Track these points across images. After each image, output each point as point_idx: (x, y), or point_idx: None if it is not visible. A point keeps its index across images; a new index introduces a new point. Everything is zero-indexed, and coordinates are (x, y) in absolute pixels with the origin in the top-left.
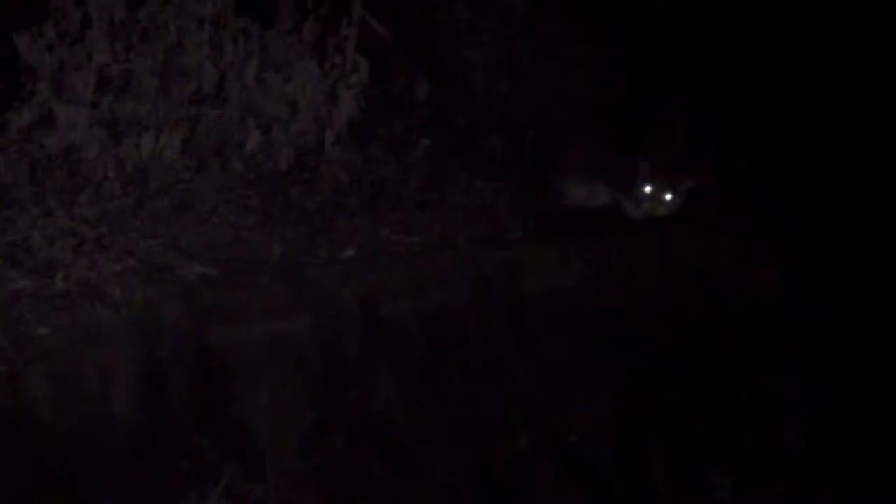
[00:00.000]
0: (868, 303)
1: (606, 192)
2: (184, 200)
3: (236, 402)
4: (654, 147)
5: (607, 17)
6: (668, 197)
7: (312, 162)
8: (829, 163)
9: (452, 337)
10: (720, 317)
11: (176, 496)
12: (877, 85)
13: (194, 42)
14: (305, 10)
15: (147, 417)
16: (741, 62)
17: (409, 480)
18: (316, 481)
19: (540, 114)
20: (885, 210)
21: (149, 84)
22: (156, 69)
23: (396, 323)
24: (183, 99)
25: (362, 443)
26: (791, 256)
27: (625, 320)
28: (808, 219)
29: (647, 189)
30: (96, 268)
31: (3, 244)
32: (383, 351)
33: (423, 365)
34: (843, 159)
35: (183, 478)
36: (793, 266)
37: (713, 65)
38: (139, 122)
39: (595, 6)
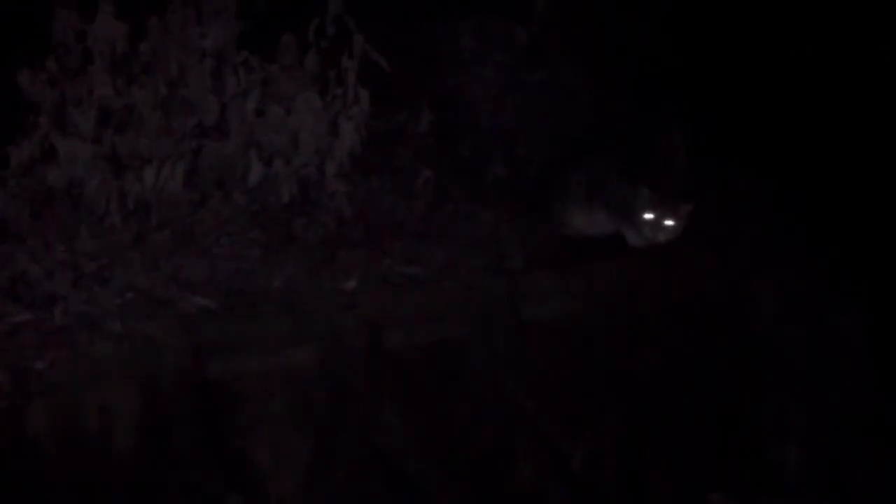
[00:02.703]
0: (868, 322)
1: (608, 219)
2: (185, 233)
3: (238, 436)
4: (654, 173)
5: (608, 44)
6: (670, 223)
7: (314, 194)
8: (831, 185)
9: (456, 367)
10: (722, 341)
11: None
12: (878, 102)
13: (196, 75)
14: (307, 42)
15: (148, 452)
16: (742, 86)
17: None
18: None
19: (542, 143)
20: (887, 228)
21: (150, 117)
22: (157, 103)
23: (400, 354)
24: (184, 132)
25: (365, 475)
26: (792, 279)
27: (627, 347)
28: (810, 240)
29: (649, 216)
30: (96, 301)
31: (3, 278)
32: (386, 382)
33: (427, 395)
34: (844, 180)
35: None
36: (794, 289)
37: (713, 90)
38: (141, 156)
39: (595, 34)
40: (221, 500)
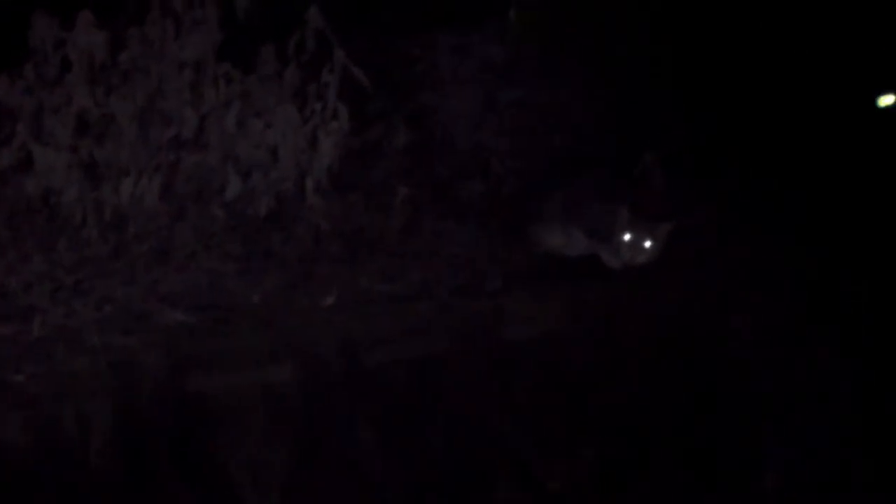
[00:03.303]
0: (846, 349)
1: (586, 240)
2: (163, 246)
3: (215, 450)
4: (632, 194)
5: (585, 65)
6: (648, 244)
7: (292, 209)
8: (811, 211)
9: (433, 385)
10: (699, 365)
11: None
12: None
13: (174, 87)
14: (286, 56)
15: (125, 465)
16: (722, 110)
17: None
18: None
19: (519, 162)
20: (863, 256)
21: (128, 128)
22: (135, 113)
23: (377, 371)
24: (162, 144)
25: (341, 491)
26: (770, 304)
27: (605, 369)
28: (788, 265)
29: (626, 237)
30: (74, 314)
31: None
32: (364, 399)
33: (404, 414)
34: (822, 207)
35: None
36: (772, 314)
37: (693, 112)
38: (118, 167)
39: (573, 55)
40: None
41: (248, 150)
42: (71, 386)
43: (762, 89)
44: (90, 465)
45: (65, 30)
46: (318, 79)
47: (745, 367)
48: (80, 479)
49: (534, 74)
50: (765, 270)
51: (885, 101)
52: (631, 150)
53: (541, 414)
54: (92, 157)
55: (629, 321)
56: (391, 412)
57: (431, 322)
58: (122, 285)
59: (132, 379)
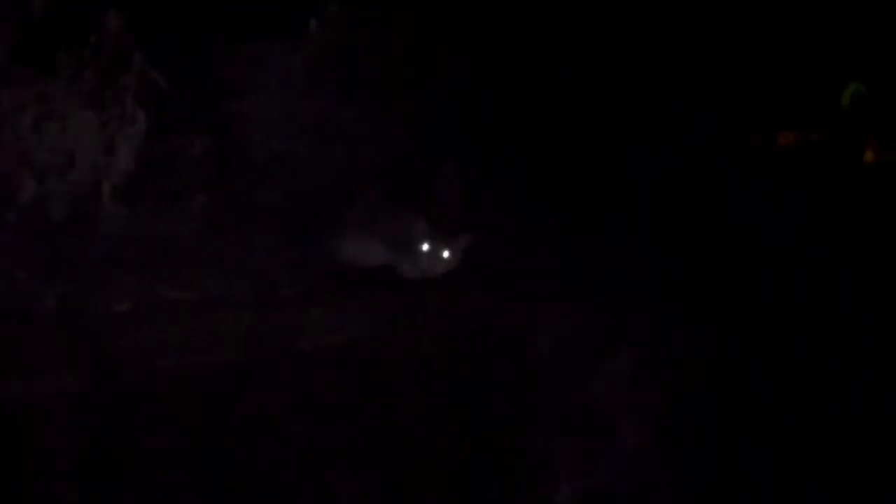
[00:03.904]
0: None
1: (384, 250)
2: None
3: (8, 457)
4: (431, 204)
5: (386, 77)
6: (446, 254)
7: (88, 214)
8: (613, 222)
9: (229, 394)
10: (497, 375)
11: None
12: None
13: None
14: (84, 59)
15: None
16: (521, 119)
17: None
18: None
19: (319, 172)
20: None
21: None
22: None
23: (172, 379)
24: None
25: (137, 499)
26: (569, 316)
27: (403, 379)
28: (589, 277)
29: (424, 247)
30: None
31: None
32: (158, 408)
33: (199, 422)
34: (626, 218)
35: None
36: (571, 326)
37: (490, 123)
38: None
39: (374, 66)
40: None
41: (43, 154)
42: None
43: (566, 98)
44: None
45: None
46: (117, 83)
47: (544, 380)
48: None
49: (334, 85)
50: (567, 281)
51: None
52: (430, 160)
53: (337, 425)
54: None
55: (428, 332)
56: (186, 421)
57: (227, 331)
58: None
59: None
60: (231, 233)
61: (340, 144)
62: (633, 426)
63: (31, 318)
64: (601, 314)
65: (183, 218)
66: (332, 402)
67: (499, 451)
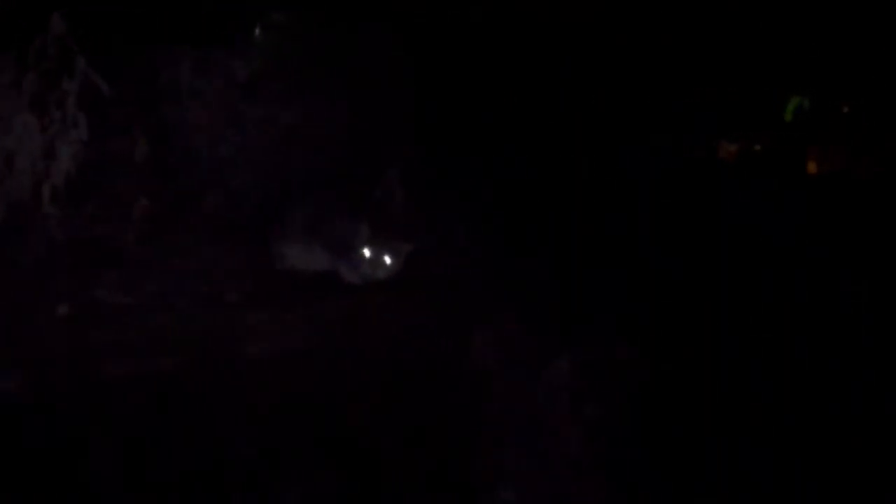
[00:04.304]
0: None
1: (326, 255)
2: None
3: None
4: (373, 210)
5: (328, 82)
6: (388, 260)
7: (28, 217)
8: (557, 232)
9: (169, 399)
10: (441, 380)
11: None
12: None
13: None
14: (26, 63)
15: None
16: (464, 126)
17: None
18: None
19: (261, 177)
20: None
21: None
22: None
23: (112, 383)
24: None
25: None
26: (513, 324)
27: (345, 384)
28: (533, 286)
29: (366, 252)
30: None
31: None
32: (97, 412)
33: (138, 428)
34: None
35: None
36: (513, 334)
37: (434, 129)
38: None
39: (316, 73)
40: None
41: None
42: None
43: (516, 103)
44: None
45: None
46: (59, 87)
47: (486, 388)
48: None
49: (276, 91)
50: (510, 289)
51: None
52: (373, 166)
53: (279, 431)
54: None
55: (370, 337)
56: (125, 425)
57: (168, 336)
58: None
59: None
60: (173, 237)
61: (283, 150)
62: (576, 433)
63: None
64: (543, 322)
65: (124, 222)
66: (274, 407)
67: (440, 457)
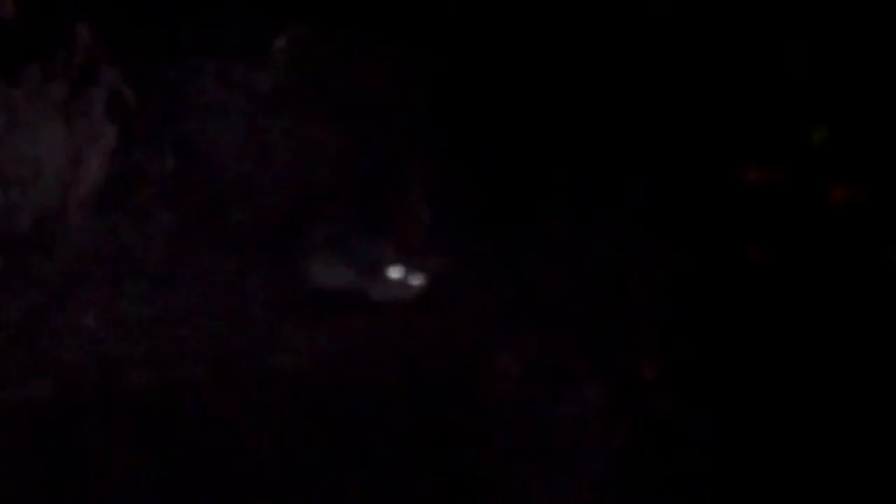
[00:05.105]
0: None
1: (352, 274)
2: None
3: None
4: (399, 229)
5: (352, 99)
6: (412, 280)
7: (54, 227)
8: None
9: (193, 412)
10: (458, 402)
11: None
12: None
13: None
14: (54, 70)
15: None
16: (492, 144)
17: None
18: None
19: (285, 193)
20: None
21: None
22: None
23: (135, 396)
24: None
25: None
26: (535, 347)
27: (366, 400)
28: (552, 300)
29: (391, 272)
30: None
31: None
32: (122, 421)
33: (163, 437)
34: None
35: None
36: (535, 357)
37: (460, 147)
38: None
39: (339, 88)
40: None
41: (9, 165)
42: None
43: (542, 120)
44: None
45: None
46: (86, 96)
47: (507, 411)
48: None
49: (300, 105)
50: (532, 308)
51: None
52: (397, 183)
53: (300, 445)
54: None
55: (392, 354)
56: (150, 435)
57: (193, 348)
58: None
59: None
60: (197, 251)
61: (307, 165)
62: (599, 456)
63: None
64: (566, 343)
65: (150, 234)
66: (296, 420)
67: (459, 478)
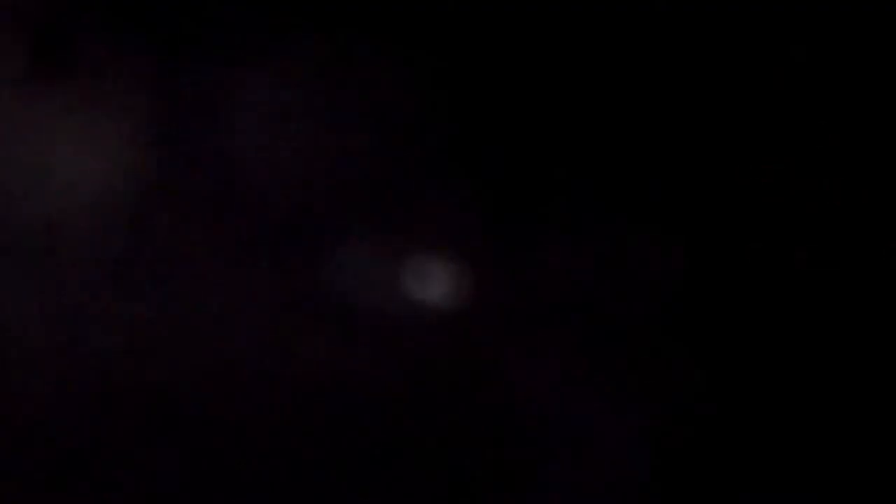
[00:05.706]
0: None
1: (375, 280)
2: None
3: None
4: (424, 237)
5: (374, 108)
6: (429, 281)
7: (60, 230)
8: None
9: (193, 413)
10: (481, 406)
11: None
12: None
13: None
14: (54, 69)
15: None
16: (520, 150)
17: None
18: None
19: (298, 197)
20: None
21: None
22: None
23: (135, 395)
24: None
25: None
26: (555, 343)
27: (377, 406)
28: (570, 302)
29: (407, 273)
30: None
31: None
32: (122, 424)
33: (161, 440)
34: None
35: None
36: (555, 354)
37: (486, 155)
38: None
39: (361, 97)
40: None
41: (9, 165)
42: None
43: (558, 126)
44: None
45: None
46: (96, 99)
47: (525, 408)
48: None
49: (324, 115)
50: (552, 310)
51: None
52: (415, 186)
53: (303, 454)
54: None
55: (405, 359)
56: (150, 435)
57: (212, 354)
58: None
59: None
60: (199, 252)
61: (321, 169)
62: (623, 456)
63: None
64: (604, 357)
65: (155, 238)
66: (299, 427)
67: (491, 493)
